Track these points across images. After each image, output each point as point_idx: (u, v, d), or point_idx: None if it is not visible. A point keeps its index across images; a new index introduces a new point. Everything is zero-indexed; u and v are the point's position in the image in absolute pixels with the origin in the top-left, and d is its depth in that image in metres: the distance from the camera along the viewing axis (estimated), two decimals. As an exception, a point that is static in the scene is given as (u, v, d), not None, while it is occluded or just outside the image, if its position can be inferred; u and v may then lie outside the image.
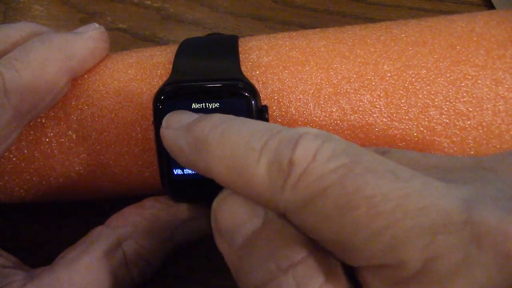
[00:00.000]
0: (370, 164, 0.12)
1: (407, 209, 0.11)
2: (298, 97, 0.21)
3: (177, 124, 0.16)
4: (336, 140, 0.13)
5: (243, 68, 0.21)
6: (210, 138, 0.14)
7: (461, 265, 0.11)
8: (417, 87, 0.21)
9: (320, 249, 0.13)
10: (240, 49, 0.22)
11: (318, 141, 0.13)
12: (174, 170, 0.19)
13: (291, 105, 0.21)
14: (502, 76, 0.20)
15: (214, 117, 0.15)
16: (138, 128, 0.21)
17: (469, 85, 0.21)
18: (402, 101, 0.21)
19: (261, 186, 0.13)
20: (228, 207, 0.14)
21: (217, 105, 0.19)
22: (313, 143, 0.13)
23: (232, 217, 0.14)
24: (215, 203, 0.15)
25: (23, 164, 0.21)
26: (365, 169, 0.12)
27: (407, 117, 0.21)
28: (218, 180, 0.14)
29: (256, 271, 0.13)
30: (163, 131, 0.16)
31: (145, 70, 0.22)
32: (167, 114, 0.17)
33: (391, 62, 0.21)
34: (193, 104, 0.19)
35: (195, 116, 0.16)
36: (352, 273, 0.13)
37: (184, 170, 0.19)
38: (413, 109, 0.21)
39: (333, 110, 0.21)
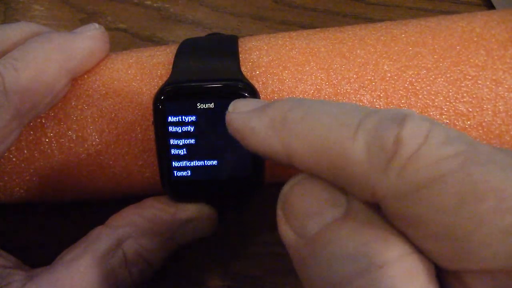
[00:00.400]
0: (492, 155, 0.11)
1: None
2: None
3: (248, 107, 0.15)
4: (446, 126, 0.12)
5: (243, 68, 0.21)
6: (291, 117, 0.13)
7: None
8: (417, 88, 0.21)
9: (416, 248, 0.11)
10: (240, 49, 0.22)
11: (427, 122, 0.11)
12: (174, 170, 0.19)
13: (291, 105, 0.21)
14: (502, 77, 0.20)
15: (291, 98, 0.14)
16: (138, 128, 0.21)
17: (469, 85, 0.20)
18: (402, 101, 0.21)
19: (356, 167, 0.11)
20: (304, 191, 0.13)
21: (217, 105, 0.19)
22: (422, 122, 0.11)
23: (307, 202, 0.13)
24: (286, 187, 0.13)
25: (23, 165, 0.21)
26: (487, 159, 0.11)
27: (407, 117, 0.21)
28: (299, 161, 0.13)
29: (337, 266, 0.11)
30: (230, 115, 0.15)
31: (145, 70, 0.22)
32: (234, 100, 0.16)
33: (391, 62, 0.21)
34: (193, 104, 0.19)
35: (263, 102, 0.15)
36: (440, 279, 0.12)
37: (184, 170, 0.19)
38: (413, 110, 0.21)
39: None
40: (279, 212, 0.13)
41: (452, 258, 0.11)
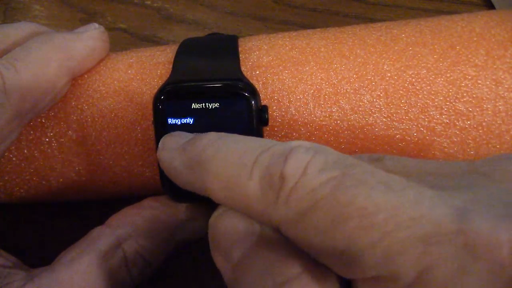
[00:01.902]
0: (361, 176, 0.12)
1: (399, 220, 0.11)
2: (298, 97, 0.21)
3: (173, 145, 0.16)
4: (327, 152, 0.13)
5: (243, 68, 0.21)
6: (204, 157, 0.14)
7: (456, 275, 0.11)
8: (417, 87, 0.21)
9: (316, 264, 0.13)
10: (240, 49, 0.22)
11: (309, 154, 0.13)
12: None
13: (291, 105, 0.21)
14: (502, 76, 0.20)
15: (208, 136, 0.15)
16: (138, 128, 0.21)
17: (469, 85, 0.21)
18: (402, 101, 0.21)
19: (254, 201, 0.13)
20: (225, 223, 0.14)
21: (217, 105, 0.19)
22: (304, 155, 0.13)
23: (228, 233, 0.14)
24: (212, 219, 0.15)
25: (23, 164, 0.21)
26: (356, 181, 0.12)
27: (407, 117, 0.21)
28: (214, 198, 0.14)
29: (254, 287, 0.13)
30: (159, 153, 0.17)
31: (145, 70, 0.22)
32: (163, 136, 0.17)
33: (391, 62, 0.21)
34: (193, 104, 0.19)
35: (190, 136, 0.16)
36: (348, 286, 0.13)
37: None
38: (413, 109, 0.21)
39: (333, 110, 0.21)
40: (210, 242, 0.15)
41: (341, 270, 0.12)
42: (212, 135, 0.15)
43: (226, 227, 0.14)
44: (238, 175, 0.13)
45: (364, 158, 0.15)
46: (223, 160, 0.14)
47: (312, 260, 0.13)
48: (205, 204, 0.21)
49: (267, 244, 0.13)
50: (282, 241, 0.13)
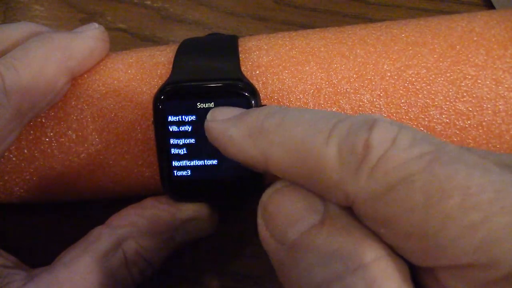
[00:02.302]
0: (458, 154, 0.11)
1: (505, 203, 0.10)
2: (298, 97, 0.21)
3: (225, 116, 0.15)
4: (413, 128, 0.12)
5: (243, 68, 0.21)
6: (267, 124, 0.13)
7: None
8: (417, 87, 0.21)
9: (391, 252, 0.12)
10: (240, 49, 0.22)
11: (395, 126, 0.12)
12: (174, 170, 0.19)
13: (291, 105, 0.21)
14: (502, 76, 0.20)
15: (267, 107, 0.14)
16: (138, 128, 0.21)
17: (469, 84, 0.21)
18: (402, 100, 0.21)
19: (329, 171, 0.12)
20: (282, 199, 0.13)
21: (217, 104, 0.19)
22: (390, 126, 0.12)
23: (286, 210, 0.13)
24: (265, 196, 0.14)
25: (23, 164, 0.21)
26: (453, 158, 0.11)
27: (407, 117, 0.21)
28: (276, 168, 0.13)
29: (315, 271, 0.12)
30: (209, 123, 0.15)
31: (145, 70, 0.22)
32: (212, 109, 0.16)
33: (391, 62, 0.21)
34: (193, 104, 0.19)
35: (241, 110, 0.16)
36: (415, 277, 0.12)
37: (184, 170, 0.19)
38: (413, 109, 0.21)
39: (333, 110, 0.21)
40: (260, 221, 0.14)
41: (424, 255, 0.11)
42: (273, 106, 0.14)
43: (282, 204, 0.13)
44: (311, 141, 0.12)
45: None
46: (291, 127, 0.13)
47: (385, 244, 0.12)
48: (205, 204, 0.21)
49: (335, 223, 0.12)
50: (352, 222, 0.12)
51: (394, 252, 0.12)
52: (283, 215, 0.13)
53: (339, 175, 0.12)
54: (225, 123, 0.15)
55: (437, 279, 0.11)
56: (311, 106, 0.21)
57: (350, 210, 0.13)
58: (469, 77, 0.21)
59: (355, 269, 0.11)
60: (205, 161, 0.19)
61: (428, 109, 0.21)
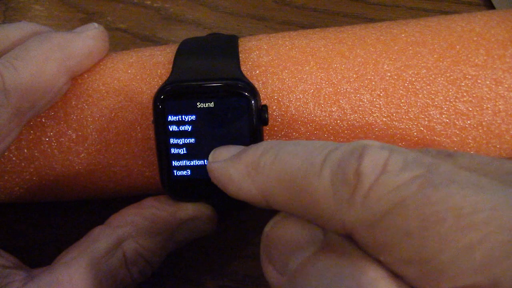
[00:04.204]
0: (449, 174, 0.11)
1: (501, 222, 0.10)
2: (298, 97, 0.21)
3: (224, 156, 0.16)
4: (404, 150, 0.12)
5: (243, 68, 0.21)
6: (263, 161, 0.14)
7: None
8: (417, 87, 0.21)
9: (391, 274, 0.12)
10: (240, 49, 0.22)
11: (385, 151, 0.12)
12: (173, 169, 0.19)
13: (291, 104, 0.21)
14: (502, 76, 0.20)
15: (263, 143, 0.15)
16: (138, 128, 0.21)
17: (469, 84, 0.21)
18: (402, 100, 0.21)
19: (324, 202, 0.12)
20: (282, 231, 0.14)
21: (217, 105, 0.19)
22: (380, 152, 0.12)
23: (286, 241, 0.13)
24: (267, 228, 0.14)
25: (23, 164, 0.21)
26: (445, 179, 0.11)
27: (407, 117, 0.21)
28: (275, 203, 0.14)
29: None
30: (211, 165, 0.16)
31: (145, 69, 0.22)
32: (213, 150, 0.17)
33: (391, 62, 0.21)
34: (193, 103, 0.19)
35: (241, 147, 0.16)
36: None
37: (184, 170, 0.19)
38: (413, 109, 0.21)
39: (333, 110, 0.21)
40: (262, 254, 0.14)
41: (425, 280, 0.11)
42: (267, 142, 0.15)
43: (283, 235, 0.13)
44: (304, 174, 0.12)
45: (432, 152, 0.14)
46: (285, 162, 0.13)
47: (386, 269, 0.12)
48: (205, 204, 0.21)
49: (334, 251, 0.12)
50: (351, 248, 0.12)
51: (396, 275, 0.12)
52: (284, 246, 0.13)
53: (334, 205, 0.12)
54: (224, 163, 0.15)
55: None
56: (311, 105, 0.21)
57: (348, 238, 0.13)
58: (469, 77, 0.21)
59: None
60: (205, 161, 0.19)
61: (428, 109, 0.21)
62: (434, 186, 0.11)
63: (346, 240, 0.12)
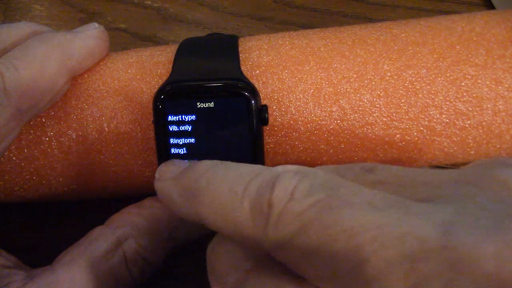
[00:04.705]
0: (347, 197, 0.12)
1: (385, 239, 0.11)
2: (298, 97, 0.21)
3: (168, 175, 0.16)
4: (314, 175, 0.13)
5: (243, 68, 0.21)
6: (197, 188, 0.15)
7: None
8: (417, 87, 0.21)
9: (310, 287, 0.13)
10: (240, 49, 0.22)
11: (295, 179, 0.13)
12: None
13: (291, 104, 0.21)
14: (502, 76, 0.20)
15: (201, 165, 0.15)
16: (138, 128, 0.21)
17: (469, 84, 0.21)
18: (402, 100, 0.21)
19: (246, 229, 0.13)
20: (220, 251, 0.15)
21: (217, 104, 0.19)
22: (290, 181, 0.13)
23: (224, 260, 0.15)
24: (208, 249, 0.15)
25: (23, 164, 0.21)
26: (342, 202, 0.12)
27: (407, 117, 0.21)
28: (210, 226, 0.15)
29: None
30: (156, 183, 0.17)
31: (145, 69, 0.22)
32: (160, 166, 0.17)
33: (391, 61, 0.21)
34: (193, 103, 0.19)
35: (185, 165, 0.17)
36: None
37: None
38: (413, 109, 0.21)
39: (333, 110, 0.21)
40: (207, 267, 0.15)
41: None
42: (205, 164, 0.15)
43: (222, 254, 0.15)
44: (230, 205, 0.14)
45: (356, 168, 0.15)
46: (215, 191, 0.14)
47: (307, 283, 0.13)
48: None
49: (262, 269, 0.14)
50: (275, 266, 0.14)
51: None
52: (223, 264, 0.15)
53: (253, 232, 0.13)
54: (167, 183, 0.16)
55: None
56: (311, 105, 0.21)
57: None
58: (469, 77, 0.21)
59: None
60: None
61: (428, 109, 0.21)
62: (331, 209, 0.12)
63: (272, 259, 0.14)
